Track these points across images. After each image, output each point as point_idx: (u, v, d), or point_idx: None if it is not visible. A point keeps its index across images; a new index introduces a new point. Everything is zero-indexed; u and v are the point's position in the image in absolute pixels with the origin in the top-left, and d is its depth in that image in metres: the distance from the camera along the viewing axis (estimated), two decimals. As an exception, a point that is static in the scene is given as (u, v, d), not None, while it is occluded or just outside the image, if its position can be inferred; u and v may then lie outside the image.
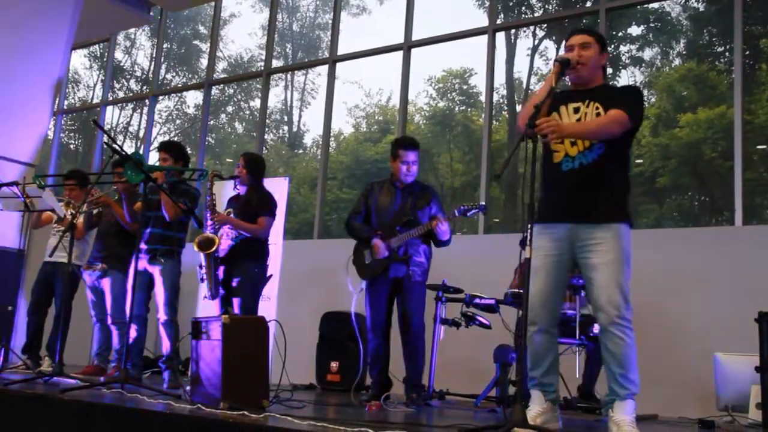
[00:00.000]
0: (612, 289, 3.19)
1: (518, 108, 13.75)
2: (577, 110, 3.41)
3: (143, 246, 5.37)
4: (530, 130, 3.11)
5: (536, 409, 3.39)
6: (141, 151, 13.92)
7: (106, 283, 5.91)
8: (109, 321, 5.87)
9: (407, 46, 8.59)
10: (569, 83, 3.59)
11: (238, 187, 5.48)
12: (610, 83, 3.65)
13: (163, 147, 5.62)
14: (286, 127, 18.90)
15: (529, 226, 3.08)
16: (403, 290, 4.93)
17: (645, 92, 12.28)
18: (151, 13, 11.47)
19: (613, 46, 11.95)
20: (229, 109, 19.08)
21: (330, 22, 10.99)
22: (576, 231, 3.32)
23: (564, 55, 3.41)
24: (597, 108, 3.35)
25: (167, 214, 5.31)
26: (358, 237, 5.11)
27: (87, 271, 6.02)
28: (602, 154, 3.31)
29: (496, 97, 13.46)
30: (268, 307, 6.25)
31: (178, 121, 18.93)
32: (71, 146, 18.48)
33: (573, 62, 3.36)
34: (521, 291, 4.92)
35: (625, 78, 12.53)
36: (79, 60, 17.37)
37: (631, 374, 3.18)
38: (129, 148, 17.04)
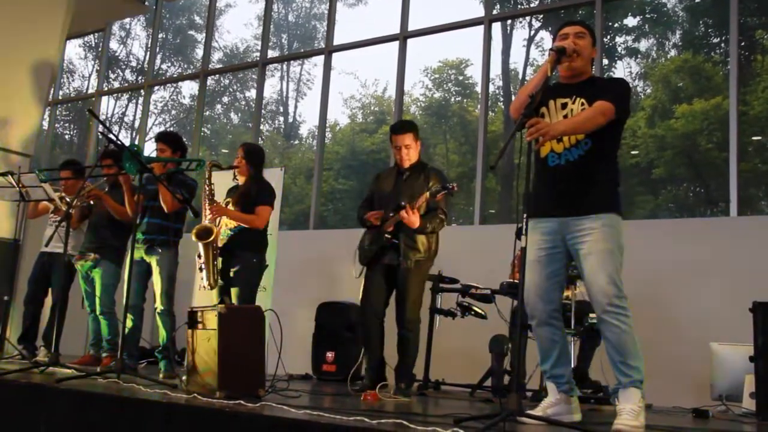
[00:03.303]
0: (602, 279, 3.19)
1: (514, 99, 13.71)
2: (564, 106, 3.42)
3: (141, 236, 5.37)
4: (525, 120, 3.12)
5: (548, 400, 3.41)
6: (137, 142, 13.90)
7: (97, 274, 5.90)
8: (98, 311, 5.86)
9: (403, 36, 8.57)
10: (559, 76, 3.58)
11: (237, 177, 5.47)
12: (606, 75, 3.65)
13: (161, 138, 5.61)
14: (281, 118, 18.87)
15: (525, 216, 3.09)
16: (397, 278, 4.86)
17: (641, 83, 12.29)
18: (146, 3, 11.43)
19: (608, 37, 11.95)
20: (225, 99, 19.03)
21: (326, 12, 10.97)
22: (565, 223, 3.33)
23: (559, 43, 3.41)
24: (582, 104, 3.37)
25: (165, 205, 5.31)
26: (360, 223, 5.08)
27: (79, 261, 6.01)
28: (588, 150, 3.33)
29: (492, 88, 13.44)
30: (264, 297, 6.26)
31: (173, 112, 18.88)
32: (66, 137, 18.44)
33: (569, 50, 3.37)
34: (517, 281, 4.96)
35: (621, 69, 12.54)
36: (73, 50, 17.32)
37: (631, 360, 3.16)
38: (124, 138, 17.01)
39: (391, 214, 4.79)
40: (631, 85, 3.57)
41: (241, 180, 5.43)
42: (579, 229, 3.28)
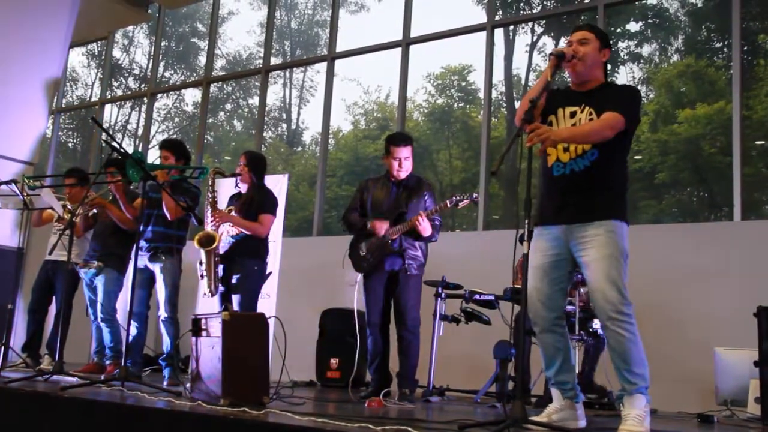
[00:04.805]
0: (606, 286, 3.18)
1: (517, 104, 13.73)
2: (573, 114, 3.40)
3: (144, 244, 5.38)
4: (526, 125, 3.12)
5: (553, 406, 3.40)
6: (140, 150, 13.92)
7: (100, 281, 5.91)
8: (99, 318, 5.87)
9: (406, 43, 8.59)
10: (569, 81, 3.58)
11: (239, 185, 5.49)
12: (609, 80, 3.62)
13: (165, 145, 5.63)
14: (284, 125, 18.89)
15: (527, 222, 3.09)
16: (398, 284, 4.95)
17: (643, 88, 12.28)
18: (150, 11, 11.46)
19: (611, 42, 11.96)
20: (228, 106, 19.05)
21: (328, 19, 10.99)
22: (570, 230, 3.33)
23: (559, 48, 3.42)
24: (591, 114, 3.35)
25: (168, 213, 5.31)
26: (355, 228, 5.14)
27: (83, 269, 6.02)
28: (594, 161, 3.31)
29: (494, 94, 13.46)
30: (267, 304, 6.26)
31: (176, 119, 18.91)
32: (70, 145, 18.48)
33: (568, 56, 3.36)
34: (520, 287, 4.95)
35: (624, 74, 12.53)
36: (77, 58, 17.36)
37: (636, 368, 3.15)
38: (128, 146, 17.05)
39: (404, 223, 4.92)
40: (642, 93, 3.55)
41: (243, 188, 5.44)
42: (582, 236, 3.28)
